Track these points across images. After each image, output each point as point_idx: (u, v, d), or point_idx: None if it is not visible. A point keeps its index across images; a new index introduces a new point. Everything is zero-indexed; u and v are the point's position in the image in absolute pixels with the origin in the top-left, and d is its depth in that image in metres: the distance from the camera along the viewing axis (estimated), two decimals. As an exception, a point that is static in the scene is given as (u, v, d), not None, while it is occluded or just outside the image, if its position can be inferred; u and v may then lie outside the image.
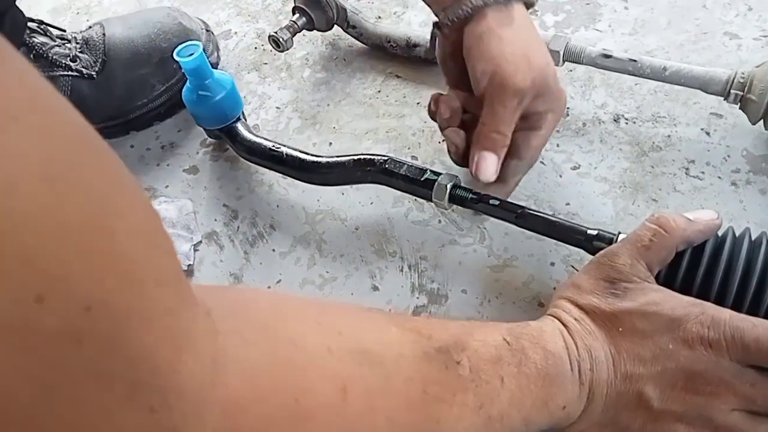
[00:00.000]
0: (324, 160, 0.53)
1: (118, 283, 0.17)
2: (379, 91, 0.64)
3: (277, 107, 0.65)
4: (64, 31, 0.64)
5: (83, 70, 0.61)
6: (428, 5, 0.49)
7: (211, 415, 0.21)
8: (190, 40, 0.63)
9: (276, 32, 0.62)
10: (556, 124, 0.49)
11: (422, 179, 0.49)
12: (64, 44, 0.62)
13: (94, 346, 0.16)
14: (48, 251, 0.15)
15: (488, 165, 0.45)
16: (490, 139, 0.45)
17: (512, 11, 0.46)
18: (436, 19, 0.49)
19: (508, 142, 0.46)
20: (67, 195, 0.16)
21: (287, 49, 0.63)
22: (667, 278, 0.40)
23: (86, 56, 0.62)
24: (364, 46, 0.67)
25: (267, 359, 0.24)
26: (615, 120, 0.57)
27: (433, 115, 0.50)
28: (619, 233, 0.43)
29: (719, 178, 0.51)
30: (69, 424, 0.16)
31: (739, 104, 0.50)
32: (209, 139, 0.63)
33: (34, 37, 0.61)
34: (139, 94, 0.63)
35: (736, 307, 0.38)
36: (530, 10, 0.49)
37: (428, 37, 0.54)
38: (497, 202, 0.47)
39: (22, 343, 0.15)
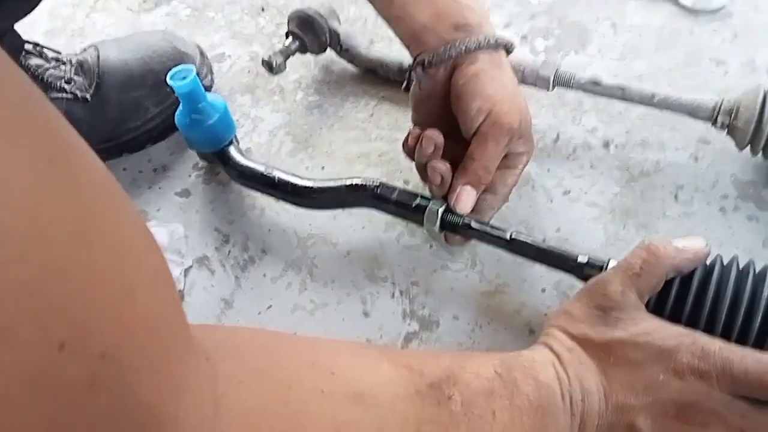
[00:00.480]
0: (316, 184, 0.54)
1: (131, 332, 0.17)
2: (372, 115, 0.64)
3: (270, 130, 0.65)
4: (60, 53, 0.64)
5: (77, 92, 0.61)
6: (406, 46, 0.50)
7: None
8: (184, 63, 0.63)
9: (269, 56, 0.63)
10: (526, 165, 0.51)
11: (414, 205, 0.49)
12: (59, 66, 0.62)
13: (106, 392, 0.16)
14: (72, 301, 0.15)
15: (468, 198, 0.47)
16: (476, 174, 0.47)
17: (501, 55, 0.49)
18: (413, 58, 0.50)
19: (490, 179, 0.47)
20: (92, 247, 0.16)
21: (280, 73, 0.64)
22: (657, 306, 0.40)
23: (81, 79, 0.62)
24: (356, 70, 0.67)
25: (263, 403, 0.24)
26: (605, 145, 0.57)
27: (410, 150, 0.50)
28: (610, 260, 0.43)
29: (708, 203, 0.52)
30: None
31: (726, 130, 0.51)
32: (201, 162, 0.63)
33: (29, 59, 0.61)
34: (132, 117, 0.63)
35: (726, 335, 0.38)
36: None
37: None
38: (488, 229, 0.47)
39: (44, 388, 0.15)
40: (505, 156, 0.48)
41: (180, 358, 0.20)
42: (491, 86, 0.46)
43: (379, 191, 0.51)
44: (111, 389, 0.17)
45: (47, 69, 0.62)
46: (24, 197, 0.14)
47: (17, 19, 0.56)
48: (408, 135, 0.50)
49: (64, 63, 0.63)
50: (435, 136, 0.47)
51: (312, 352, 0.30)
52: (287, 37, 0.65)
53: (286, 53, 0.63)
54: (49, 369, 0.15)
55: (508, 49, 0.50)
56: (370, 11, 0.73)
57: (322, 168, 0.61)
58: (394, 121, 0.63)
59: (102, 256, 0.17)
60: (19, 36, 0.60)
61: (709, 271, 0.40)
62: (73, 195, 0.16)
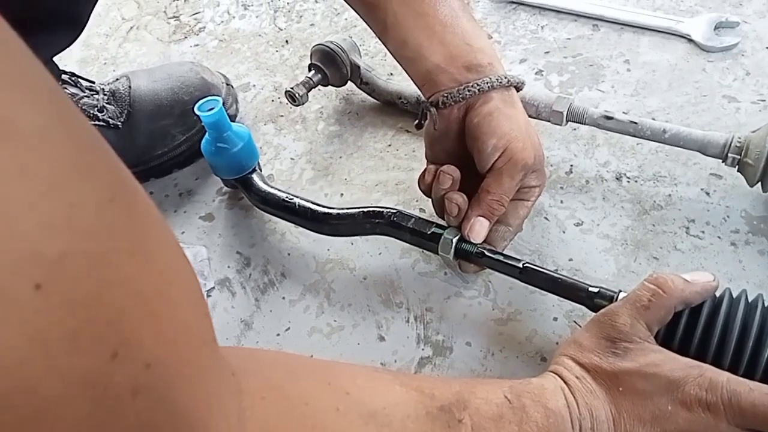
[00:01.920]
0: (335, 211, 0.55)
1: (172, 345, 0.19)
2: (390, 145, 0.66)
3: (292, 158, 0.67)
4: (93, 82, 0.67)
5: (109, 120, 0.64)
6: (419, 87, 0.52)
7: None
8: (211, 93, 0.66)
9: (292, 88, 0.65)
10: (538, 197, 0.53)
11: (429, 233, 0.51)
12: (92, 95, 0.65)
13: (148, 399, 0.18)
14: (125, 315, 0.17)
15: (482, 229, 0.49)
16: (490, 206, 0.49)
17: (513, 94, 0.51)
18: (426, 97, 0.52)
19: (503, 211, 0.49)
20: (142, 268, 0.18)
21: (303, 104, 0.66)
22: (666, 338, 0.41)
23: (113, 107, 0.65)
24: (376, 101, 0.70)
25: (283, 418, 0.26)
26: (617, 178, 0.58)
27: (427, 187, 0.52)
28: (620, 291, 0.44)
29: (719, 237, 0.53)
30: None
31: (737, 167, 0.52)
32: (225, 188, 0.65)
33: (66, 88, 0.64)
34: (160, 144, 0.66)
35: (734, 368, 0.39)
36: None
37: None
38: (501, 258, 0.49)
39: (94, 394, 0.17)
40: (518, 189, 0.50)
41: (211, 371, 0.22)
42: (506, 124, 0.48)
43: (395, 219, 0.52)
44: (152, 397, 0.18)
45: (82, 98, 0.65)
46: (89, 223, 0.16)
47: (57, 52, 0.60)
48: (424, 172, 0.52)
49: (97, 92, 0.66)
50: (452, 171, 0.49)
51: (328, 374, 0.32)
52: (310, 69, 0.68)
53: (309, 85, 0.66)
54: (100, 375, 0.17)
55: (518, 88, 0.52)
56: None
57: (341, 195, 0.63)
58: (411, 151, 0.65)
59: (150, 277, 0.19)
60: (56, 66, 0.64)
61: (717, 304, 0.41)
62: (129, 223, 0.18)
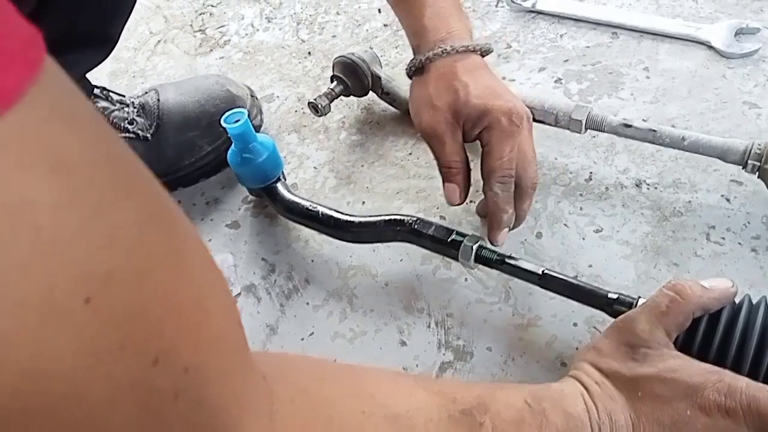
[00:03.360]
0: (357, 219, 0.57)
1: (208, 351, 0.21)
2: (410, 154, 0.67)
3: (315, 167, 0.69)
4: (123, 96, 0.70)
5: (139, 132, 0.67)
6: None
7: None
8: (236, 105, 0.68)
9: (315, 99, 0.67)
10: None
11: (449, 240, 0.52)
12: (123, 108, 0.68)
13: (187, 402, 0.19)
14: (166, 324, 0.19)
15: (502, 237, 0.52)
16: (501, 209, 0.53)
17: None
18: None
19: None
20: (181, 280, 0.20)
21: (325, 114, 0.68)
22: (685, 344, 0.41)
23: (142, 120, 0.67)
24: (396, 111, 0.71)
25: (311, 420, 0.27)
26: (637, 185, 0.59)
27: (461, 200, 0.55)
28: (639, 297, 0.45)
29: (739, 244, 0.53)
30: None
31: (757, 174, 0.52)
32: (250, 197, 0.67)
33: (97, 102, 0.67)
34: (187, 155, 0.68)
35: (753, 373, 0.39)
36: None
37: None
38: (521, 264, 0.49)
39: (139, 397, 0.18)
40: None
41: (244, 375, 0.23)
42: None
43: (416, 226, 0.54)
44: (191, 399, 0.20)
45: (113, 111, 0.67)
46: (132, 243, 0.18)
47: (90, 69, 0.62)
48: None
49: (127, 105, 0.68)
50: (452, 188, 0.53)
51: (353, 378, 0.33)
52: (332, 81, 0.69)
53: (331, 96, 0.68)
54: (144, 380, 0.18)
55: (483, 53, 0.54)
56: (409, 55, 0.77)
57: (363, 203, 0.64)
58: (431, 160, 0.66)
59: (187, 289, 0.20)
60: (89, 81, 0.66)
61: (737, 310, 0.41)
62: (167, 240, 0.20)
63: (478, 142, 0.53)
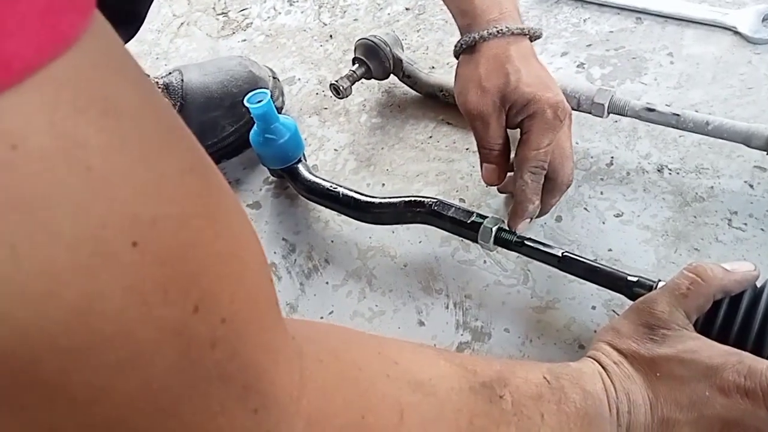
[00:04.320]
0: (377, 200, 0.57)
1: (244, 303, 0.21)
2: (431, 137, 0.68)
3: (335, 149, 0.69)
4: (148, 76, 0.71)
5: (163, 112, 0.67)
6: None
7: (298, 424, 0.24)
8: (259, 86, 0.69)
9: (337, 81, 0.67)
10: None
11: (468, 222, 0.52)
12: (147, 88, 0.69)
13: (223, 351, 0.20)
14: (205, 273, 0.20)
15: (523, 225, 0.52)
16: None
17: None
18: None
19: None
20: (219, 232, 0.20)
21: (346, 97, 0.68)
22: (705, 326, 0.41)
23: (167, 100, 0.68)
24: (417, 94, 0.71)
25: (337, 380, 0.28)
26: (659, 170, 0.59)
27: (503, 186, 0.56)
28: (659, 281, 0.45)
29: (762, 230, 0.52)
30: (197, 412, 0.20)
31: (781, 159, 0.52)
32: (271, 177, 0.68)
33: (122, 82, 0.68)
34: (210, 134, 0.69)
35: (774, 357, 0.39)
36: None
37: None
38: (540, 246, 0.50)
39: (179, 343, 0.19)
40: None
41: (276, 331, 0.24)
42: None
43: (435, 208, 0.54)
44: (227, 349, 0.20)
45: (138, 90, 0.68)
46: (175, 190, 0.19)
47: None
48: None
49: (152, 85, 0.69)
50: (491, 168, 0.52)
51: (378, 344, 0.33)
52: (354, 63, 0.70)
53: (353, 78, 0.68)
54: (185, 327, 0.19)
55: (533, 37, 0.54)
56: (431, 39, 0.78)
57: (383, 185, 0.65)
58: (451, 143, 0.66)
59: (225, 240, 0.21)
60: (115, 60, 0.67)
61: (758, 293, 0.41)
62: (206, 191, 0.20)
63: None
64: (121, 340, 0.17)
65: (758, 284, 0.42)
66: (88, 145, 0.16)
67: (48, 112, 0.15)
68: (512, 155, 0.53)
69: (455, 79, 0.55)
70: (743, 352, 0.39)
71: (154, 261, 0.18)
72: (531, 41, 0.53)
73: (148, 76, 0.68)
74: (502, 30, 0.51)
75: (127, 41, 0.62)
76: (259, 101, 0.59)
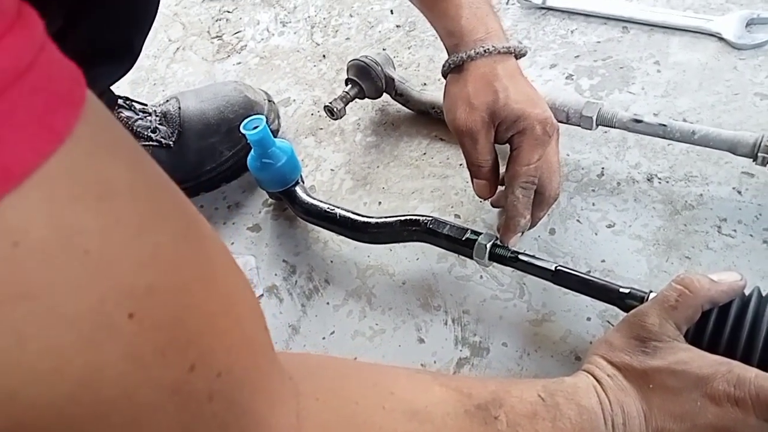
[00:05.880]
0: (373, 220, 0.58)
1: (239, 355, 0.23)
2: (425, 154, 0.69)
3: (332, 169, 0.71)
4: (146, 105, 0.72)
5: (162, 140, 0.69)
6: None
7: None
8: (255, 111, 0.70)
9: (331, 102, 0.69)
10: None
11: (463, 239, 0.53)
12: (145, 117, 0.70)
13: (221, 402, 0.22)
14: (200, 333, 0.21)
15: (515, 240, 0.54)
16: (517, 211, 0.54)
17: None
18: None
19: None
20: (213, 291, 0.22)
21: (340, 118, 0.69)
22: (695, 336, 0.42)
23: (165, 128, 0.70)
24: (410, 111, 0.72)
25: (334, 417, 0.29)
26: (648, 179, 0.60)
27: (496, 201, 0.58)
28: (651, 292, 0.46)
29: (751, 236, 0.53)
30: None
31: (767, 166, 0.53)
32: (270, 200, 0.69)
33: (121, 112, 0.69)
34: (209, 160, 0.70)
35: (762, 364, 0.40)
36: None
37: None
38: (534, 261, 0.51)
39: (178, 400, 0.20)
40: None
41: (272, 376, 0.25)
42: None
43: (431, 226, 0.55)
44: (224, 400, 0.22)
45: (136, 120, 0.70)
46: (170, 259, 0.20)
47: (114, 81, 0.65)
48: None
49: (149, 114, 0.71)
50: (482, 184, 0.53)
51: (373, 375, 0.35)
52: (346, 84, 0.71)
53: (346, 99, 0.69)
54: (183, 384, 0.20)
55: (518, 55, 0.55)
56: (422, 55, 0.79)
57: (379, 203, 0.66)
58: (445, 159, 0.68)
59: (219, 297, 0.22)
60: (113, 92, 0.69)
61: (746, 302, 0.42)
62: (199, 255, 0.22)
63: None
64: (123, 403, 0.19)
65: (747, 292, 0.43)
66: (86, 230, 0.17)
67: (46, 205, 0.17)
68: (502, 170, 0.55)
69: (444, 98, 0.56)
70: (733, 361, 0.40)
71: (151, 328, 0.19)
72: (517, 59, 0.55)
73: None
74: (488, 49, 0.52)
75: (123, 75, 0.64)
76: (255, 127, 0.60)
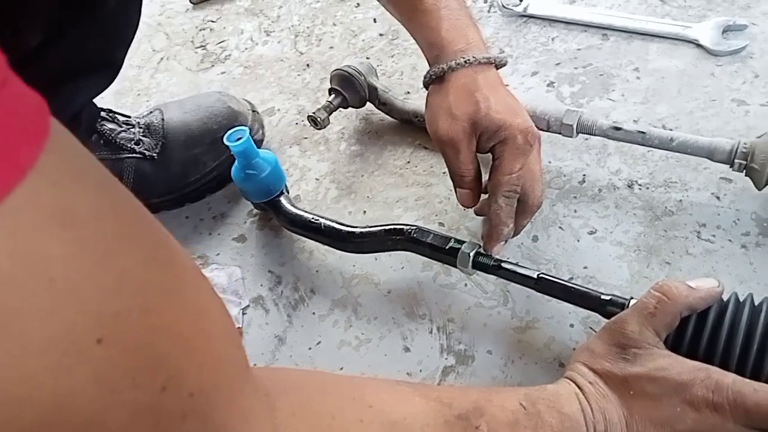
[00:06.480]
0: (358, 230, 0.59)
1: (211, 375, 0.23)
2: (409, 162, 0.69)
3: (316, 178, 0.71)
4: (129, 117, 0.72)
5: (146, 152, 0.69)
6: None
7: None
8: (238, 121, 0.70)
9: (314, 112, 0.69)
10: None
11: (447, 248, 0.54)
12: (129, 129, 0.70)
13: (194, 421, 0.22)
14: (171, 354, 0.21)
15: (499, 249, 0.54)
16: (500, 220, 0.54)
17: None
18: None
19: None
20: (184, 313, 0.22)
21: (325, 127, 0.70)
22: (675, 343, 0.43)
23: (148, 140, 0.70)
24: (394, 120, 0.73)
25: (312, 431, 0.29)
26: (629, 186, 0.60)
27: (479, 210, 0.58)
28: (631, 298, 0.46)
29: (730, 241, 0.54)
30: None
31: (744, 172, 0.53)
32: (255, 210, 0.69)
33: (104, 124, 0.69)
34: (193, 171, 0.70)
35: (740, 369, 0.41)
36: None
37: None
38: (517, 269, 0.51)
39: (150, 421, 0.20)
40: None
41: (246, 393, 0.25)
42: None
43: (414, 235, 0.55)
44: (197, 419, 0.22)
45: (119, 132, 0.69)
46: (137, 283, 0.20)
47: (97, 94, 0.65)
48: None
49: (132, 126, 0.71)
50: (465, 193, 0.54)
51: (353, 389, 0.35)
52: (330, 93, 0.71)
53: (330, 109, 0.70)
54: (154, 405, 0.20)
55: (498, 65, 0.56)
56: (405, 63, 0.79)
57: (364, 212, 0.66)
58: (429, 167, 0.68)
59: (189, 317, 0.22)
60: (95, 105, 0.69)
61: (723, 308, 0.43)
62: (168, 277, 0.22)
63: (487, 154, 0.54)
64: (95, 428, 0.19)
65: (725, 297, 0.44)
66: (50, 257, 0.18)
67: (10, 237, 0.17)
68: (484, 178, 0.55)
69: (425, 109, 0.56)
70: (711, 366, 0.40)
71: (120, 352, 0.19)
72: (497, 69, 0.55)
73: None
74: (469, 60, 0.53)
75: (105, 88, 0.64)
76: (239, 138, 0.61)
